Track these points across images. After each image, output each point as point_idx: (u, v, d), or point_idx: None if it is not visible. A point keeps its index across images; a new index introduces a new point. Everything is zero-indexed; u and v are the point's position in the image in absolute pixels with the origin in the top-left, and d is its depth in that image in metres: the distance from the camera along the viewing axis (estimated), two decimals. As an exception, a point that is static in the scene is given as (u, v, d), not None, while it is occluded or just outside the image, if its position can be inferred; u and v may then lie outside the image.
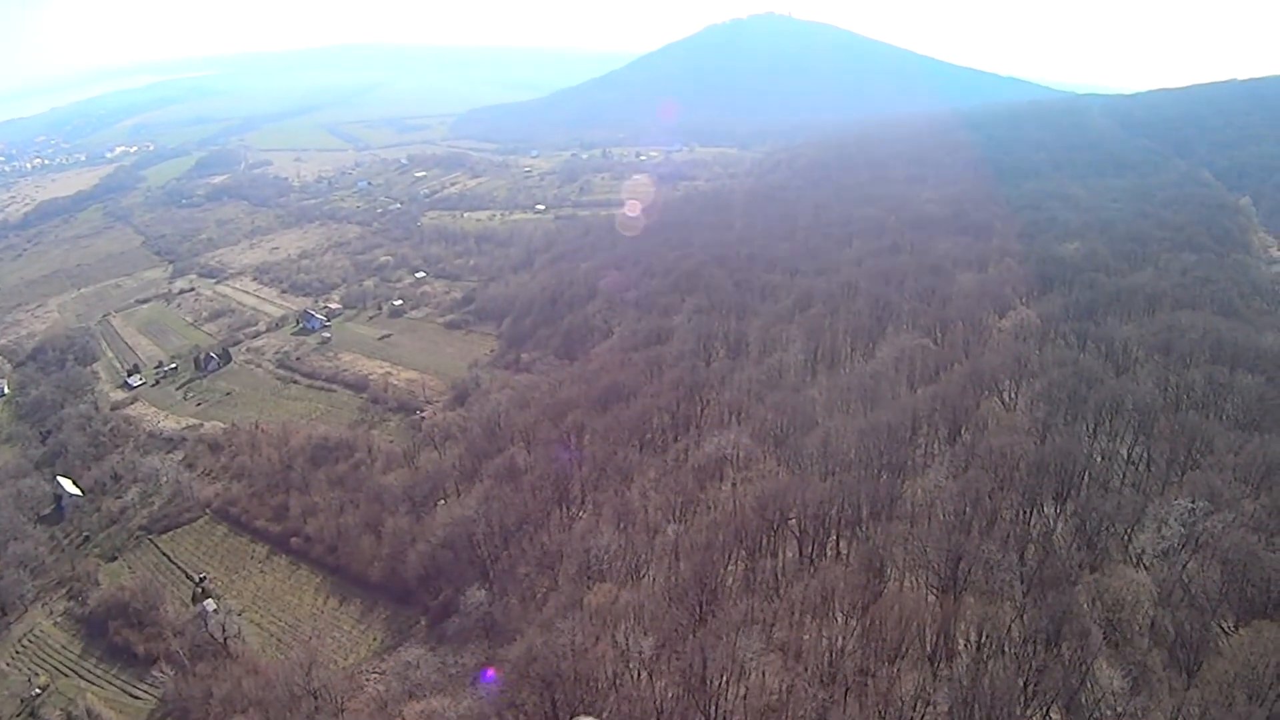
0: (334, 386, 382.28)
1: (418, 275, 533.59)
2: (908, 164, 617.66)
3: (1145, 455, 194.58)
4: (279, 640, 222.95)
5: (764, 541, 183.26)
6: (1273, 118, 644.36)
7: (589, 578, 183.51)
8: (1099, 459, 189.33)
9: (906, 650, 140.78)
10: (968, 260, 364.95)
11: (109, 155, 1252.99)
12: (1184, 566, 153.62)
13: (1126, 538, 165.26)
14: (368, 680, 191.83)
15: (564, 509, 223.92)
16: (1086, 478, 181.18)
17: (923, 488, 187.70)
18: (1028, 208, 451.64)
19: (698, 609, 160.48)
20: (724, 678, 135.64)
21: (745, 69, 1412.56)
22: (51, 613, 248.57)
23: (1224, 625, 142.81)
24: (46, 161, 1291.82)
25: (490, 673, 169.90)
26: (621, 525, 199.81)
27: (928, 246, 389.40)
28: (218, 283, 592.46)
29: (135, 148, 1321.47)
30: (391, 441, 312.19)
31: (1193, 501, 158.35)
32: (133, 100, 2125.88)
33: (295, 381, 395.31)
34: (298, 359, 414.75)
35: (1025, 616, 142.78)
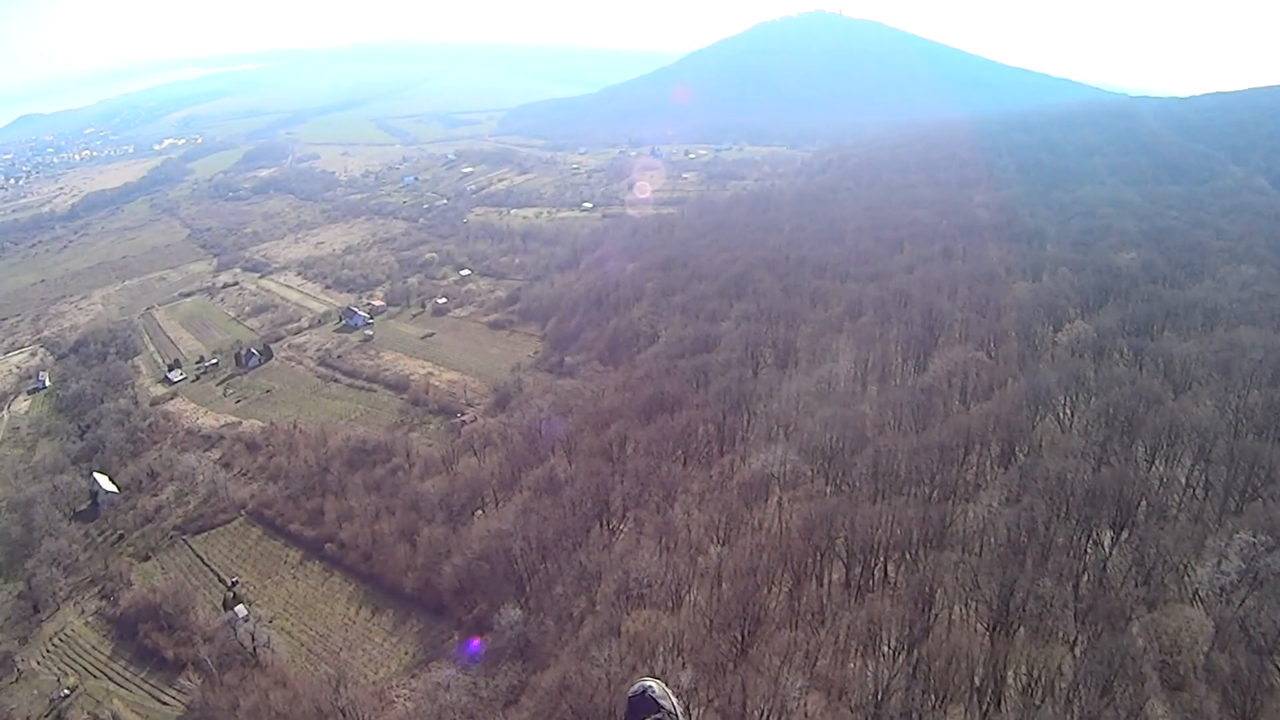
0: (374, 386, 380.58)
1: (462, 273, 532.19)
2: (959, 166, 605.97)
3: (1204, 481, 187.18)
4: (309, 650, 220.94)
5: (810, 566, 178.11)
6: None
7: (628, 600, 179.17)
8: (1157, 485, 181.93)
9: (955, 690, 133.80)
10: (1021, 268, 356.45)
11: (157, 148, 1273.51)
12: (1241, 603, 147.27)
13: (1184, 571, 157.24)
14: (397, 698, 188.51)
15: (604, 525, 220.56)
16: (1144, 505, 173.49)
17: (975, 513, 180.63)
18: (1081, 214, 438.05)
19: (740, 638, 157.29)
20: (764, 717, 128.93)
21: (795, 67, 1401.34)
22: (83, 612, 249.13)
23: None
24: (95, 153, 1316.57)
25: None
26: (663, 546, 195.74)
27: (980, 253, 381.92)
28: (261, 277, 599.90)
29: (184, 140, 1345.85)
30: (430, 445, 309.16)
31: (1254, 535, 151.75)
32: (182, 93, 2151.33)
33: (336, 380, 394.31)
34: (339, 357, 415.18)
35: (1078, 656, 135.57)
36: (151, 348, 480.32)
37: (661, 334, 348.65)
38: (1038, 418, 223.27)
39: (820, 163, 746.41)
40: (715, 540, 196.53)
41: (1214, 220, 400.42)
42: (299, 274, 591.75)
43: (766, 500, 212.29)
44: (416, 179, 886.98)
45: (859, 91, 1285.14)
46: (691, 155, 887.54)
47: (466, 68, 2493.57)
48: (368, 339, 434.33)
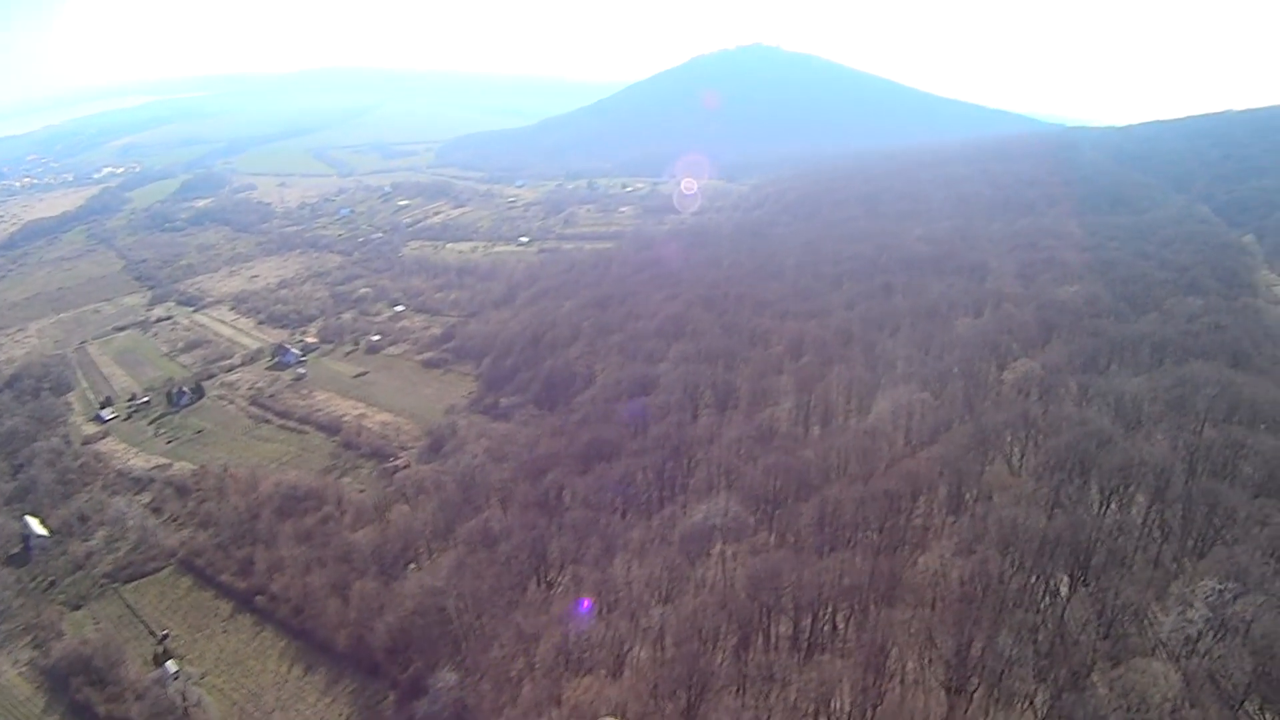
0: (306, 428, 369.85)
1: (397, 309, 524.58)
2: (897, 199, 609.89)
3: (1160, 522, 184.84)
4: (241, 710, 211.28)
5: (757, 623, 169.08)
6: (1273, 150, 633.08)
7: (568, 664, 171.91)
8: (1113, 529, 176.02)
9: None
10: (964, 304, 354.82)
11: (96, 176, 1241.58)
12: (1205, 654, 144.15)
13: (1147, 621, 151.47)
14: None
15: (541, 581, 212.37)
16: (1101, 551, 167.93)
17: (927, 564, 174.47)
18: (1023, 246, 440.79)
19: (686, 705, 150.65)
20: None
21: (734, 100, 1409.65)
22: (16, 661, 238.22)
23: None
24: (36, 180, 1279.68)
25: None
26: (603, 608, 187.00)
27: (921, 288, 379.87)
28: (195, 311, 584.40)
29: (123, 168, 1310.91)
30: (363, 491, 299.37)
31: (1220, 583, 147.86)
32: (124, 120, 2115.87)
33: (268, 421, 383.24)
34: (271, 396, 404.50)
35: (1040, 718, 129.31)
36: (84, 384, 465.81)
37: (598, 375, 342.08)
38: (987, 461, 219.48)
39: (758, 196, 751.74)
40: (657, 598, 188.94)
41: (1157, 251, 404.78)
42: (233, 308, 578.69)
43: (709, 554, 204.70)
44: (352, 211, 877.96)
45: (798, 125, 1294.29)
46: (628, 189, 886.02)
47: (408, 98, 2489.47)
48: (300, 377, 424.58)
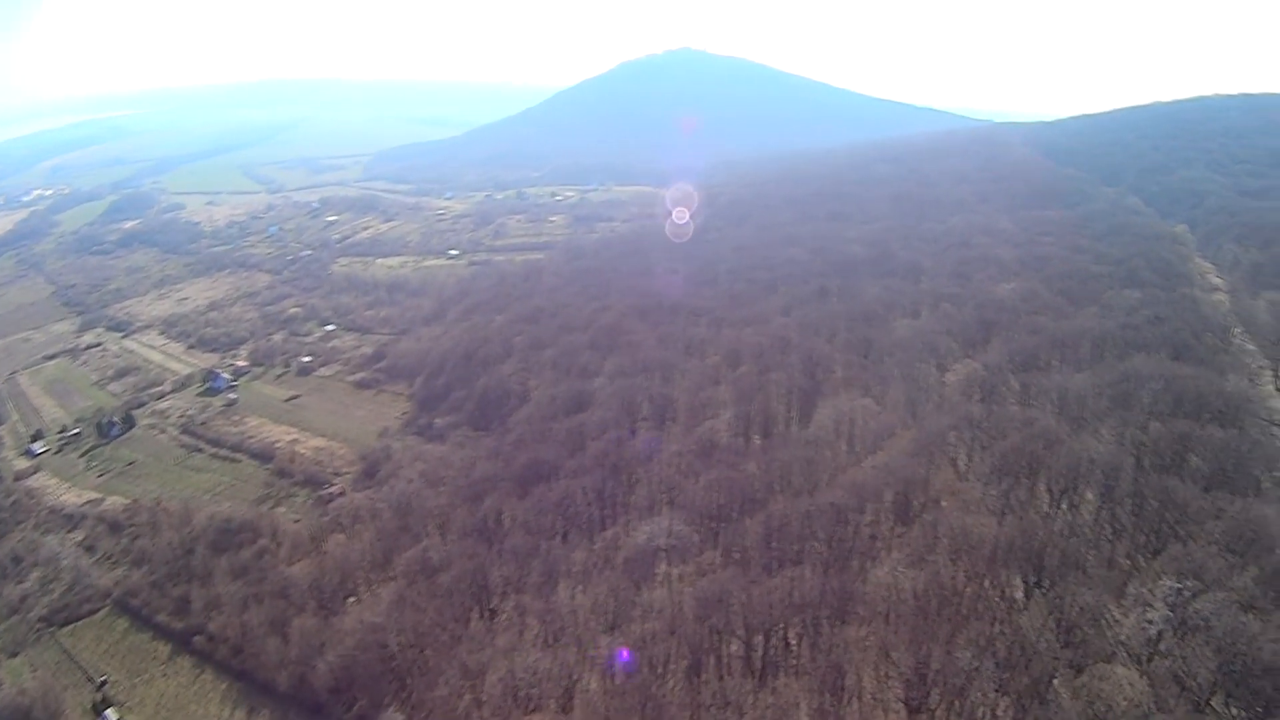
0: (239, 456, 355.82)
1: (327, 328, 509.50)
2: (829, 200, 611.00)
3: (1112, 521, 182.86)
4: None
5: (709, 648, 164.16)
6: (1200, 141, 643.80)
7: (516, 701, 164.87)
8: (1065, 533, 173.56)
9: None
10: (901, 305, 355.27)
11: (25, 199, 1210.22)
12: (1168, 655, 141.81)
13: (1107, 624, 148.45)
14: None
15: (484, 612, 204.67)
16: (1056, 555, 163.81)
17: (879, 577, 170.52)
18: (957, 244, 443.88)
19: None
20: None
21: (662, 105, 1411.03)
22: None
23: None
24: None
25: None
26: (549, 638, 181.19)
27: (856, 291, 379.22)
28: (124, 336, 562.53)
29: (51, 191, 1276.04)
30: (298, 521, 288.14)
31: (1178, 581, 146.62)
32: (53, 140, 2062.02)
33: (199, 450, 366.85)
34: (202, 424, 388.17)
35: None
36: (15, 416, 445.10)
37: (533, 392, 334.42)
38: (933, 467, 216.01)
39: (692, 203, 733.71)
40: (604, 625, 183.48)
41: (1092, 244, 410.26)
42: (162, 333, 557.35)
43: (655, 576, 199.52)
44: (281, 229, 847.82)
45: (728, 128, 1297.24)
46: (558, 197, 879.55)
47: (336, 110, 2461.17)
48: (232, 403, 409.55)
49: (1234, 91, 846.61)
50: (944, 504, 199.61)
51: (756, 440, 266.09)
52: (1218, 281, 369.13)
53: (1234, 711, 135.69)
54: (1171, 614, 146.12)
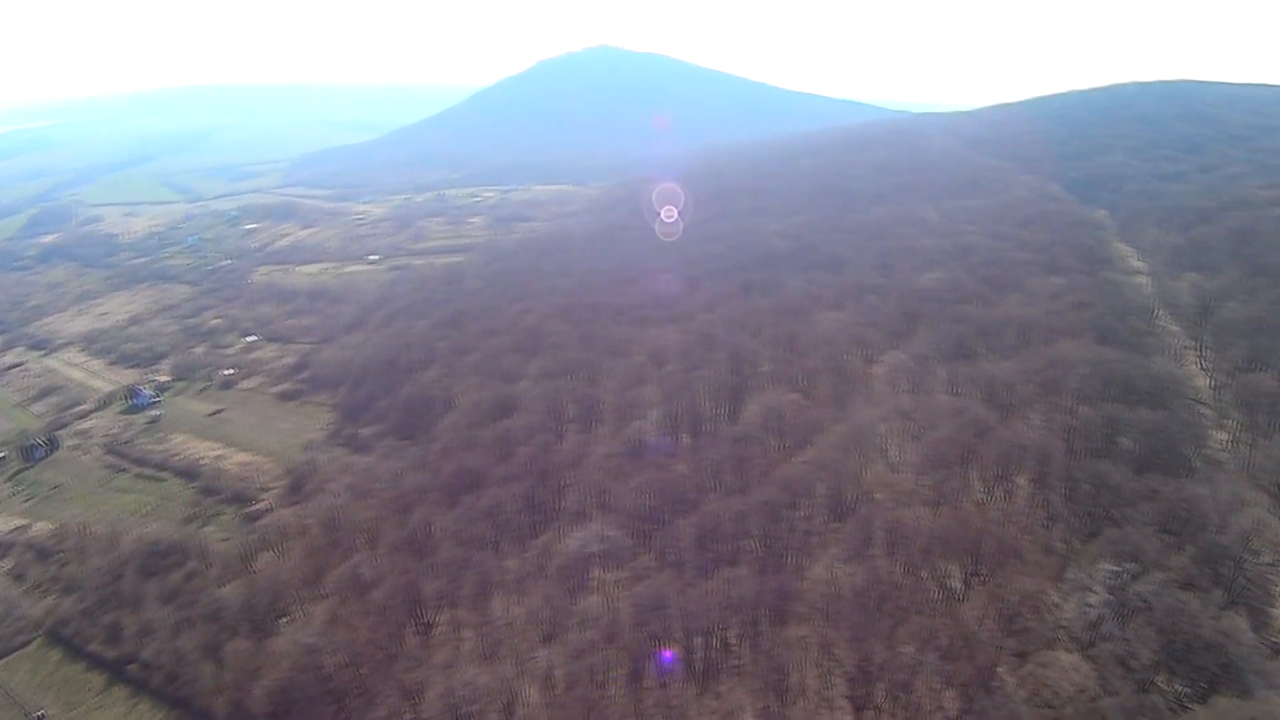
0: (164, 475, 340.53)
1: (249, 339, 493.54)
2: (750, 195, 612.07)
3: (1046, 506, 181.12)
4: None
5: (648, 654, 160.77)
6: (1117, 128, 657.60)
7: (457, 719, 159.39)
8: (1000, 521, 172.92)
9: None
10: (825, 298, 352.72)
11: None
12: (1111, 638, 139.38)
13: (1047, 610, 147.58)
14: None
15: (419, 628, 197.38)
16: (992, 544, 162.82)
17: (817, 575, 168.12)
18: (879, 236, 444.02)
19: None
20: None
21: (581, 103, 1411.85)
22: None
23: (1178, 702, 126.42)
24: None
25: None
26: (486, 654, 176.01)
27: (780, 285, 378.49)
28: (45, 355, 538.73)
29: None
30: (227, 540, 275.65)
31: (1117, 564, 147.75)
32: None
33: (124, 470, 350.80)
34: (127, 443, 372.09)
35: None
36: None
37: (458, 398, 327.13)
38: (864, 460, 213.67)
39: (609, 199, 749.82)
40: (541, 636, 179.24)
41: (1014, 231, 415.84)
42: (83, 350, 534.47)
43: (590, 583, 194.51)
44: (199, 238, 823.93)
45: (644, 124, 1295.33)
46: (478, 198, 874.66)
47: (253, 115, 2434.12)
48: (155, 420, 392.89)
49: (1149, 79, 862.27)
50: (877, 497, 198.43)
51: (686, 439, 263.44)
52: (1139, 265, 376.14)
53: (1178, 688, 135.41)
54: (1112, 597, 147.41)
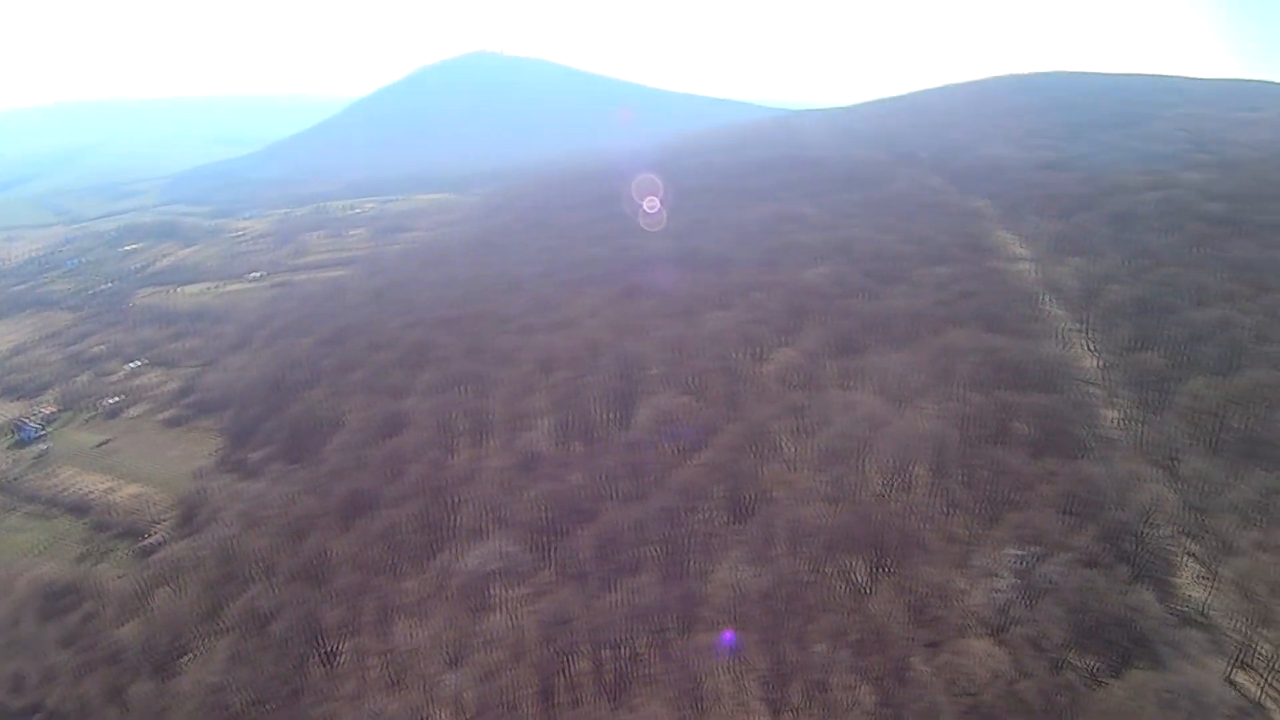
0: (55, 511, 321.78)
1: (133, 365, 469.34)
2: (632, 197, 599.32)
3: (946, 495, 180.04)
4: None
5: (557, 670, 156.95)
6: (995, 119, 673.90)
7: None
8: (901, 513, 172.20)
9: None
10: (711, 298, 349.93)
11: None
12: (1021, 622, 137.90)
13: (955, 598, 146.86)
14: None
15: (323, 659, 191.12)
16: (896, 537, 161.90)
17: (723, 580, 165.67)
18: (762, 233, 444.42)
19: None
20: None
21: (460, 110, 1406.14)
22: None
23: (1093, 679, 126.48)
24: None
25: None
26: (393, 682, 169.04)
27: (665, 286, 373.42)
28: None
29: None
30: (122, 577, 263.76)
31: (1020, 548, 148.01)
32: None
33: (14, 509, 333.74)
34: (14, 480, 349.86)
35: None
36: None
37: (346, 417, 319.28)
38: (761, 460, 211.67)
39: (490, 206, 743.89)
40: (446, 660, 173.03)
41: (897, 224, 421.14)
42: None
43: (492, 602, 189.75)
44: (80, 262, 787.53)
45: (528, 129, 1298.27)
46: (358, 210, 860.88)
47: (131, 132, 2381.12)
48: (43, 454, 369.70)
49: (1023, 71, 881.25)
50: (776, 496, 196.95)
51: (579, 448, 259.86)
52: (1022, 252, 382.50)
53: (1092, 665, 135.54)
54: (1019, 580, 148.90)
